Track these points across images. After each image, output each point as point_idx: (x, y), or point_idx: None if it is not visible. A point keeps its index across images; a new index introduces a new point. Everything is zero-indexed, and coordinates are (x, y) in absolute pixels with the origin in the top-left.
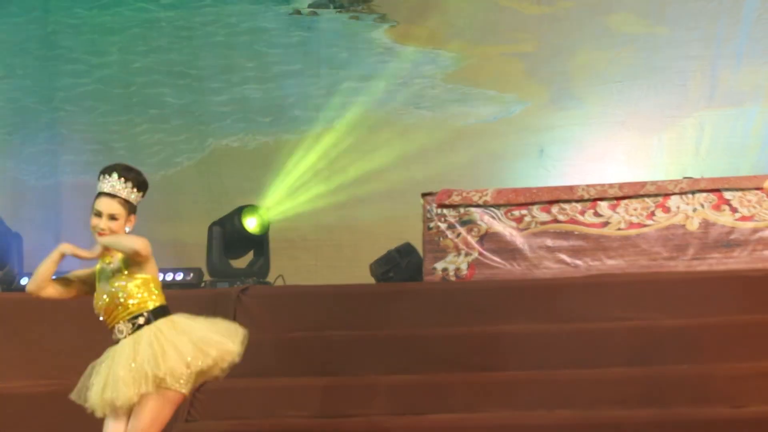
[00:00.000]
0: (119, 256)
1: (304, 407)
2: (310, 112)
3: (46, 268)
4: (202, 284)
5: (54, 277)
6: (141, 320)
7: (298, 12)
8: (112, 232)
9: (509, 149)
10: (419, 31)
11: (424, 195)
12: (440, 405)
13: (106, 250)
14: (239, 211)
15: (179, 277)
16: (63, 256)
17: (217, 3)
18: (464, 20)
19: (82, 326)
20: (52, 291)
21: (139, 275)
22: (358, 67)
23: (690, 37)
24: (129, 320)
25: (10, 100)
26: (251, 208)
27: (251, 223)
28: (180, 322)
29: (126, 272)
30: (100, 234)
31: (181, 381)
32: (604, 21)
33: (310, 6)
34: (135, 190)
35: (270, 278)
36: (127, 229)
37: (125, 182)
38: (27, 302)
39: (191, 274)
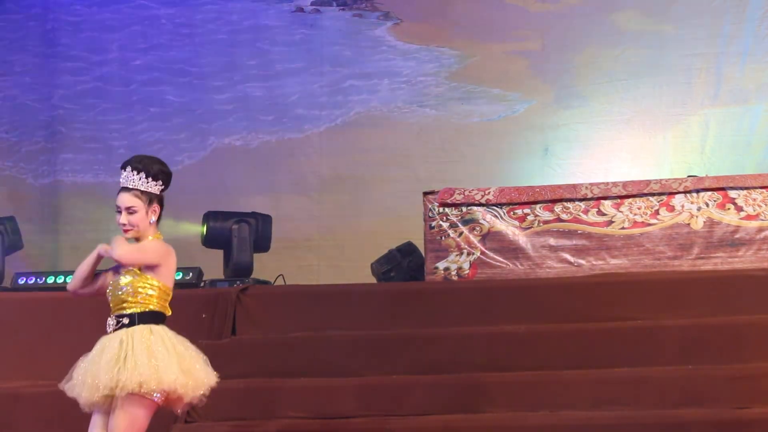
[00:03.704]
0: None
1: (304, 407)
2: (313, 110)
3: (84, 269)
4: (202, 284)
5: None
6: (125, 320)
7: (301, 9)
8: (133, 225)
9: (513, 148)
10: (423, 28)
11: (425, 194)
12: (441, 405)
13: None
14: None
15: (179, 276)
16: (101, 257)
17: (218, 0)
18: (468, 18)
19: (82, 326)
20: (90, 289)
21: (149, 276)
22: (361, 65)
23: (695, 35)
24: (117, 316)
25: (9, 98)
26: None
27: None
28: (158, 334)
29: (138, 269)
30: (124, 230)
31: (140, 391)
32: (609, 18)
33: (312, 3)
34: (150, 179)
35: (269, 277)
36: (153, 219)
37: (138, 173)
38: (27, 302)
39: (191, 274)
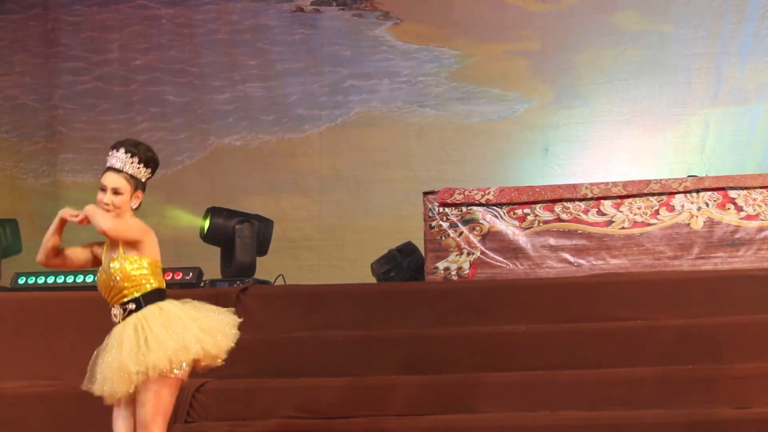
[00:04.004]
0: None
1: (304, 407)
2: (313, 110)
3: (48, 237)
4: (202, 284)
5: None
6: (132, 306)
7: (301, 9)
8: (116, 207)
9: (514, 148)
10: (423, 28)
11: (425, 194)
12: (440, 405)
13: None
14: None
15: (179, 276)
16: (65, 222)
17: (219, 0)
18: (468, 18)
19: (82, 326)
20: (59, 261)
21: (135, 256)
22: (361, 65)
23: (695, 35)
24: (122, 305)
25: (9, 98)
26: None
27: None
28: (169, 310)
29: (122, 251)
30: (105, 210)
31: (171, 367)
32: (609, 18)
33: (312, 3)
34: (142, 165)
35: (269, 277)
36: (134, 205)
37: (131, 157)
38: (27, 302)
39: (191, 274)
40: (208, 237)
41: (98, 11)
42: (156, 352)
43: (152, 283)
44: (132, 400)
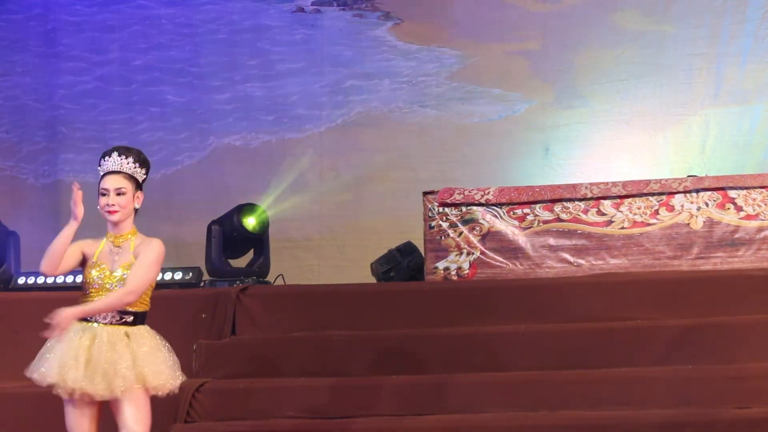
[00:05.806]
0: (131, 244)
1: (304, 407)
2: (314, 110)
3: (59, 247)
4: (202, 284)
5: None
6: (129, 318)
7: (302, 9)
8: (122, 207)
9: (514, 148)
10: (423, 28)
11: (425, 193)
12: (440, 405)
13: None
14: (238, 210)
15: (179, 276)
16: (74, 230)
17: (219, 0)
18: (469, 18)
19: None
20: (65, 267)
21: None
22: (361, 65)
23: (695, 35)
24: (120, 312)
25: (10, 98)
26: (250, 206)
27: (250, 222)
28: (155, 335)
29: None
30: (111, 212)
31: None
32: (609, 18)
33: (313, 3)
34: (137, 165)
35: (270, 278)
36: (137, 206)
37: (126, 158)
38: (26, 302)
39: (191, 274)
40: (258, 231)
41: (99, 11)
42: (170, 368)
43: (145, 304)
44: (94, 404)
